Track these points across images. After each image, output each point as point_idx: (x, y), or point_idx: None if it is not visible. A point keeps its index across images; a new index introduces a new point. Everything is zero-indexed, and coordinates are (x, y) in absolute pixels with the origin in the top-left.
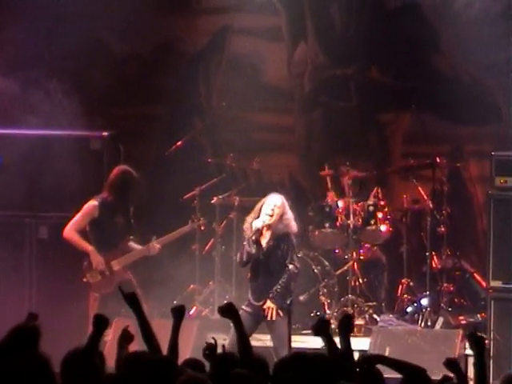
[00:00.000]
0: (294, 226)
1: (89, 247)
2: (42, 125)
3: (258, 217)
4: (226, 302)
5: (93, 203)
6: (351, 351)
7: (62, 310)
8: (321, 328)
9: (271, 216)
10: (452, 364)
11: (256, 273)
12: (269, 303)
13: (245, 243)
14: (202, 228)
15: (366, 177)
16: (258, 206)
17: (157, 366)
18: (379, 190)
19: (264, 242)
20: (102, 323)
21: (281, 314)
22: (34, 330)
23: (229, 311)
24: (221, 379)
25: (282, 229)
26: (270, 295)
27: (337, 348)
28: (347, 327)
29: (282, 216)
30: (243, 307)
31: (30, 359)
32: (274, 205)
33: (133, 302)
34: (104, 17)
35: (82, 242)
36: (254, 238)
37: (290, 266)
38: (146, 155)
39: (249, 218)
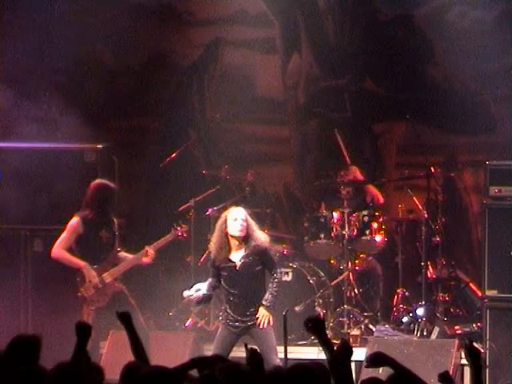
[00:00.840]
0: (265, 241)
1: (81, 263)
2: (36, 138)
3: (226, 235)
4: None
5: (76, 220)
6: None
7: (58, 323)
8: (317, 326)
9: (241, 231)
10: (445, 378)
11: (229, 290)
12: (263, 311)
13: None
14: (185, 235)
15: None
16: (220, 224)
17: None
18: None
19: (237, 257)
20: (84, 331)
21: (271, 322)
22: (34, 341)
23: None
24: None
25: (255, 246)
26: (264, 303)
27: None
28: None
29: (250, 232)
30: (223, 322)
31: (27, 371)
32: (240, 219)
33: (126, 320)
34: (97, 30)
35: (72, 259)
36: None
37: (278, 275)
38: (141, 167)
39: (213, 238)
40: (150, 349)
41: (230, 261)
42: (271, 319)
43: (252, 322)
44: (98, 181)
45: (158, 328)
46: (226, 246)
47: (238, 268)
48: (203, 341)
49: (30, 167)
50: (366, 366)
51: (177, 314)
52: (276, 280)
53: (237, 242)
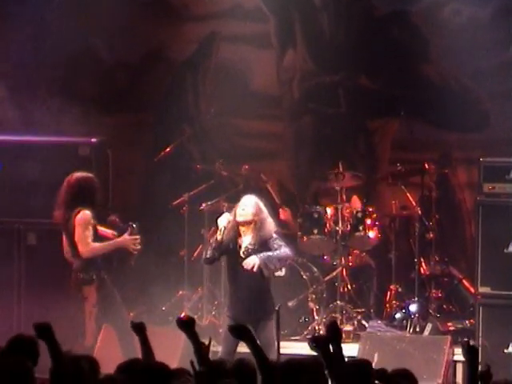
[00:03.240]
0: (271, 225)
1: (114, 244)
2: (31, 131)
3: (235, 221)
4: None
5: (85, 214)
6: (343, 358)
7: (51, 316)
8: (334, 333)
9: (242, 215)
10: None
11: (233, 281)
12: (253, 257)
13: (211, 240)
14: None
15: (356, 183)
16: (234, 210)
17: (151, 372)
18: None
19: (244, 244)
20: (43, 331)
21: (255, 268)
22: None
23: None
24: None
25: (261, 236)
26: (259, 255)
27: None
28: (337, 334)
29: (258, 220)
30: (226, 314)
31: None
32: (244, 205)
33: (140, 330)
34: (92, 25)
35: (105, 246)
36: (219, 237)
37: (286, 248)
38: (135, 161)
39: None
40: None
41: (237, 246)
42: (256, 266)
43: (255, 316)
44: (79, 174)
45: (151, 322)
46: (235, 231)
47: (242, 254)
48: None
49: (23, 161)
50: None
51: (170, 309)
52: (282, 249)
53: (243, 229)
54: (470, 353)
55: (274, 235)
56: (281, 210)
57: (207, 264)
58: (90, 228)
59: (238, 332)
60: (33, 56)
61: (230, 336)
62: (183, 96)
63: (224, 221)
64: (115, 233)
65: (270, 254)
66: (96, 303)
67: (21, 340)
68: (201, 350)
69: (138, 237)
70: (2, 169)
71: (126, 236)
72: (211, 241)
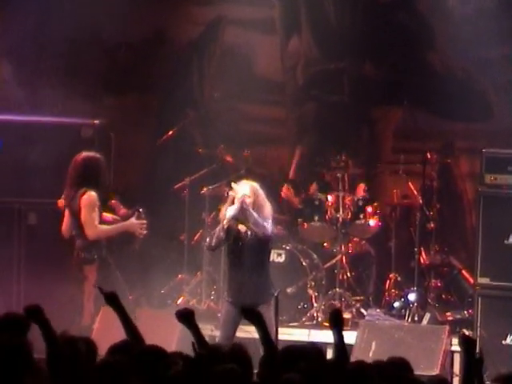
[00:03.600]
0: (266, 209)
1: (121, 227)
2: (33, 111)
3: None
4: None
5: (92, 195)
6: (344, 345)
7: (51, 296)
8: (338, 319)
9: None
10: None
11: (234, 265)
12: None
13: (217, 228)
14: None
15: (358, 171)
16: (231, 196)
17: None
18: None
19: (242, 228)
20: (33, 313)
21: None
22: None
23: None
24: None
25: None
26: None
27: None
28: (338, 321)
29: (255, 205)
30: (225, 298)
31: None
32: (242, 192)
33: (113, 301)
34: (97, 5)
35: (112, 229)
36: (226, 226)
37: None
38: (137, 144)
39: (223, 208)
40: (140, 325)
41: (237, 231)
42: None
43: (253, 301)
44: (86, 154)
45: (150, 305)
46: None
47: (240, 238)
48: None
49: (26, 141)
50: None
51: (169, 292)
52: (266, 222)
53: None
54: (466, 343)
55: (270, 220)
56: (284, 187)
57: (211, 251)
58: (97, 210)
59: (251, 315)
60: (36, 37)
61: (229, 321)
62: (187, 79)
63: (233, 212)
64: (116, 217)
65: (254, 214)
66: (96, 283)
67: (11, 318)
68: (129, 322)
69: (144, 221)
70: (2, 146)
71: (133, 220)
72: (217, 230)
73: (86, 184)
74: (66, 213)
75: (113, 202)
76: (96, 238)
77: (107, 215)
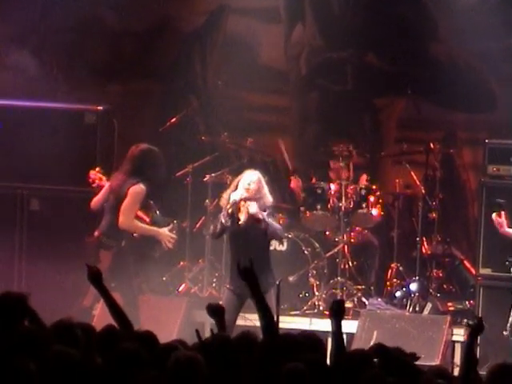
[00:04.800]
0: (269, 199)
1: (153, 231)
2: (37, 97)
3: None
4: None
5: (141, 188)
6: (342, 336)
7: (52, 282)
8: (339, 310)
9: (247, 190)
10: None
11: (234, 252)
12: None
13: (220, 215)
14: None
15: (360, 161)
16: (235, 182)
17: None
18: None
19: (242, 217)
20: (18, 303)
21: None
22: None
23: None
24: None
25: (258, 203)
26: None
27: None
28: (339, 312)
29: (259, 191)
30: (227, 286)
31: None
32: (249, 181)
33: (96, 280)
34: None
35: (144, 229)
36: (229, 210)
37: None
38: (140, 131)
39: (225, 195)
40: (141, 312)
41: (237, 219)
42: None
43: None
44: (144, 145)
45: (151, 292)
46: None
47: (241, 227)
48: (196, 307)
49: (29, 126)
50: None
51: (170, 279)
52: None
53: (243, 202)
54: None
55: (268, 210)
56: (292, 178)
57: (215, 239)
58: (139, 204)
59: (248, 275)
60: (41, 21)
61: (230, 309)
62: (191, 67)
63: (238, 195)
64: (148, 219)
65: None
66: (108, 268)
67: (8, 297)
68: (113, 304)
69: (175, 237)
70: (2, 128)
71: (165, 230)
72: (220, 217)
73: (140, 175)
74: (106, 189)
75: (151, 203)
76: (125, 228)
77: (142, 215)
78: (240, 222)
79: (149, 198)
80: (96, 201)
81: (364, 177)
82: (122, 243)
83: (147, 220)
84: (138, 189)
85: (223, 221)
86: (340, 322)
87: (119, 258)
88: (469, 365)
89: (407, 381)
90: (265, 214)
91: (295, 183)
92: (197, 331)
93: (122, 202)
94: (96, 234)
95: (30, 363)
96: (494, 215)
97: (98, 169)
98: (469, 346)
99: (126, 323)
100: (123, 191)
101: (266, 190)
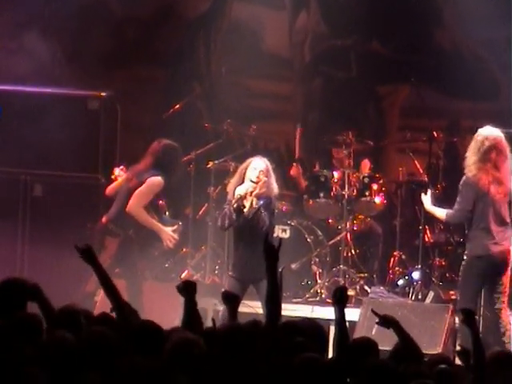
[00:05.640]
0: (275, 189)
1: (157, 226)
2: (40, 83)
3: (242, 181)
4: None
5: (160, 181)
6: (345, 323)
7: (56, 266)
8: (342, 297)
9: (256, 183)
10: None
11: (238, 241)
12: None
13: (226, 207)
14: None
15: (364, 148)
16: (241, 170)
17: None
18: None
19: (247, 205)
20: (32, 293)
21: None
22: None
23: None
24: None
25: (264, 192)
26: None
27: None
28: (342, 299)
29: (266, 181)
30: (229, 273)
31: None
32: (259, 171)
33: (89, 257)
34: None
35: (149, 220)
36: (235, 205)
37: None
38: (143, 117)
39: (232, 181)
40: (144, 298)
41: (243, 206)
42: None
43: (257, 275)
44: (166, 141)
45: (154, 278)
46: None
47: (247, 214)
48: (198, 294)
49: (32, 112)
50: (377, 323)
51: (173, 266)
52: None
53: (249, 196)
54: (468, 318)
55: (270, 198)
56: (293, 165)
57: (224, 230)
58: (152, 196)
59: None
60: (45, 6)
61: (233, 290)
62: (194, 53)
63: (243, 190)
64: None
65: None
66: (113, 255)
67: (11, 283)
68: (107, 282)
69: (177, 238)
70: (7, 112)
71: (169, 229)
72: (227, 211)
73: (160, 170)
74: (123, 178)
75: (161, 202)
76: (132, 213)
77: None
78: (245, 211)
79: (162, 197)
80: (111, 188)
81: (366, 162)
82: (129, 232)
83: (155, 217)
84: (156, 180)
85: (230, 215)
86: (343, 310)
87: (125, 245)
88: (479, 353)
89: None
90: (260, 202)
91: (295, 171)
92: (213, 320)
93: (135, 191)
94: (104, 220)
95: (29, 349)
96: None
97: (122, 167)
98: (474, 336)
99: (121, 302)
100: (140, 181)
101: (273, 179)
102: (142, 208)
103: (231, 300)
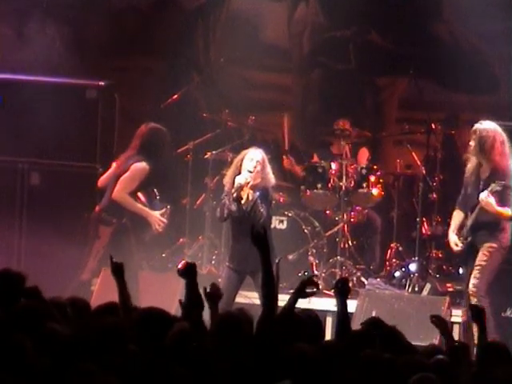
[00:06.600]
0: (271, 180)
1: (144, 211)
2: (39, 72)
3: (239, 173)
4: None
5: (144, 166)
6: (347, 315)
7: (52, 255)
8: (343, 289)
9: (252, 172)
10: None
11: (238, 234)
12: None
13: (224, 198)
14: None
15: (362, 140)
16: (237, 161)
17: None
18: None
19: (244, 197)
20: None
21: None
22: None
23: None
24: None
25: (260, 183)
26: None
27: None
28: (344, 291)
29: (262, 171)
30: (227, 264)
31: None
32: (256, 161)
33: (119, 273)
34: None
35: (136, 206)
36: (235, 195)
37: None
38: (142, 107)
39: (229, 173)
40: (140, 289)
41: (240, 197)
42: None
43: (254, 266)
44: (153, 124)
45: (151, 268)
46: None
47: (245, 207)
48: None
49: (30, 101)
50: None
51: (170, 256)
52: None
53: (246, 187)
54: (477, 313)
55: (267, 189)
56: (284, 159)
57: (223, 221)
58: (138, 182)
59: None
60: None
61: (229, 287)
62: (193, 43)
63: (243, 179)
64: (145, 200)
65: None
66: (106, 245)
67: (6, 275)
68: (126, 297)
69: (165, 221)
70: (3, 103)
71: (157, 213)
72: (226, 201)
73: (146, 154)
74: (114, 167)
75: (152, 190)
76: (117, 200)
77: (141, 196)
78: (243, 203)
79: (152, 183)
80: (102, 179)
81: (364, 150)
82: (122, 220)
83: (143, 201)
84: (140, 166)
85: (229, 206)
86: (345, 301)
87: (119, 234)
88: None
89: (403, 358)
90: (257, 194)
91: (287, 162)
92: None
93: (123, 175)
94: (97, 209)
95: (27, 340)
96: (482, 195)
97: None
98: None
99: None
100: (126, 167)
101: (269, 169)
102: (127, 194)
103: (214, 300)
